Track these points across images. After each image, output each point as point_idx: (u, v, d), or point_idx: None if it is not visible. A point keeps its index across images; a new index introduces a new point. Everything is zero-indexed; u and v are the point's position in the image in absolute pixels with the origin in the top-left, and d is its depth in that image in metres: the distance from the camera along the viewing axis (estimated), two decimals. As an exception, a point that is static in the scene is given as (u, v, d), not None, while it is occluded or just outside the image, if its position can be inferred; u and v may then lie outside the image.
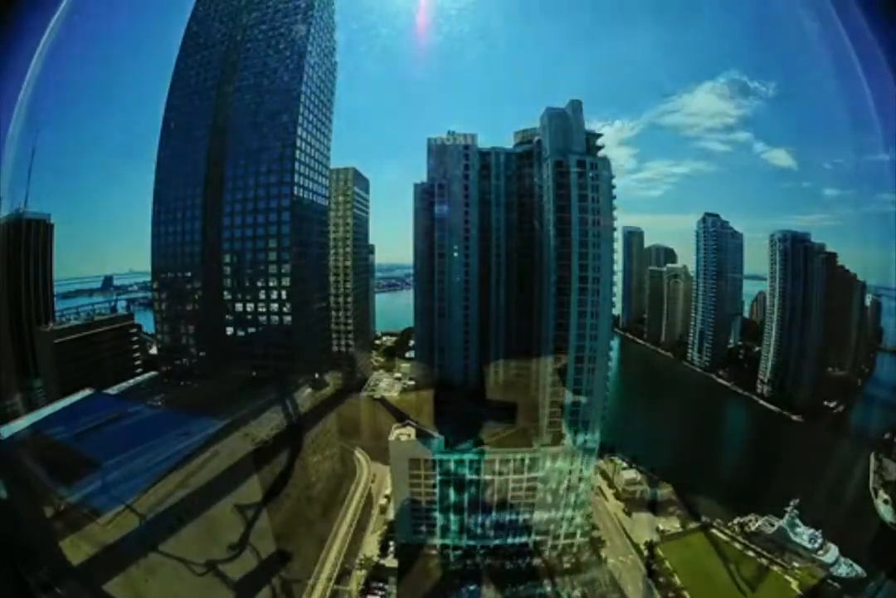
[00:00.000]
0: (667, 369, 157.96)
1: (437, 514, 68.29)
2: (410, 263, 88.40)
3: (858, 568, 64.08)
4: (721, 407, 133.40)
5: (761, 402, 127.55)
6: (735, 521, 77.25)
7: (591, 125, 69.11)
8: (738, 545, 72.59)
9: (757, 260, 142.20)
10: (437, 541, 69.53)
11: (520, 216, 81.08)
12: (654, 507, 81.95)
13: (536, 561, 69.85)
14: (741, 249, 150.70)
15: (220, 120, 73.59)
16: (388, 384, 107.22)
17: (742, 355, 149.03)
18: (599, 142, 69.34)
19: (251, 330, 72.48)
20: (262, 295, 71.68)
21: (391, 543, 71.66)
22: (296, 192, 69.27)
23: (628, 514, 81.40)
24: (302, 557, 66.96)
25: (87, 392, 61.04)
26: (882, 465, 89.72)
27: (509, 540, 69.60)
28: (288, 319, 70.98)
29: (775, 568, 67.85)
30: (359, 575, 66.85)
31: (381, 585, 64.56)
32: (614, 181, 67.50)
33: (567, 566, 69.74)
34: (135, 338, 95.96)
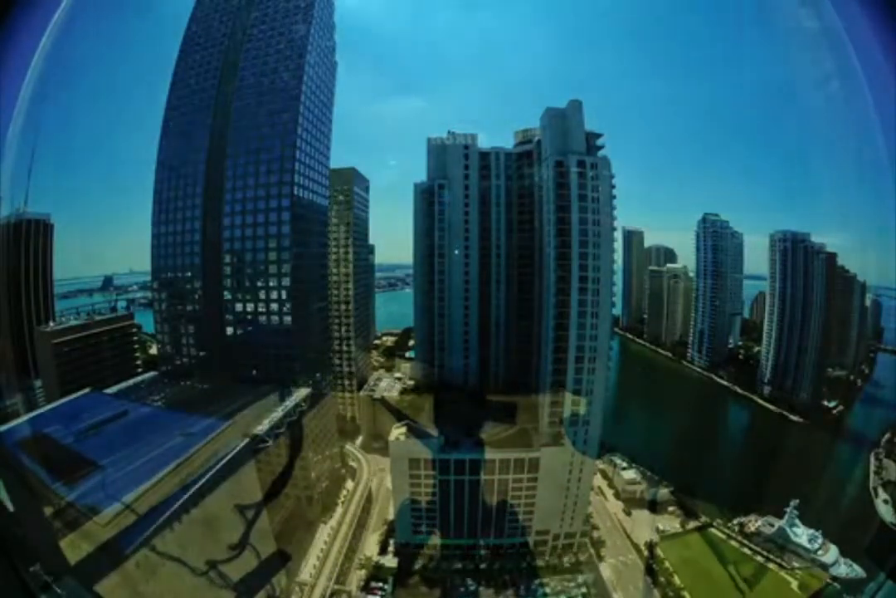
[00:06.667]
0: (667, 368, 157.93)
1: (436, 514, 68.32)
2: (410, 263, 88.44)
3: (858, 568, 64.06)
4: (721, 407, 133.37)
5: (761, 402, 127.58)
6: (735, 521, 77.30)
7: (592, 125, 68.99)
8: (737, 545, 72.62)
9: (757, 260, 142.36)
10: (437, 541, 69.57)
11: (520, 216, 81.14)
12: (654, 507, 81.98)
13: (536, 561, 69.86)
14: (741, 249, 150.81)
15: (220, 120, 73.53)
16: (388, 384, 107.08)
17: (742, 355, 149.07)
18: (599, 142, 69.26)
19: (251, 330, 72.42)
20: (262, 295, 71.59)
21: (391, 542, 71.70)
22: (296, 192, 69.15)
23: (628, 514, 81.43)
24: (299, 556, 67.09)
25: (86, 392, 61.05)
26: (882, 465, 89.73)
27: (509, 540, 69.63)
28: (288, 319, 70.88)
29: (775, 568, 67.86)
30: (359, 575, 66.88)
31: (381, 585, 64.52)
32: (614, 181, 67.57)
33: (567, 565, 69.75)
34: (135, 338, 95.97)
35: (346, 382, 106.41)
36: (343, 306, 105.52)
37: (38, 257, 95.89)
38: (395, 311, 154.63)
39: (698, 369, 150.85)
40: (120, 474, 39.97)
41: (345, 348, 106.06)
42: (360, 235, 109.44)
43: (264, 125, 70.67)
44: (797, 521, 72.21)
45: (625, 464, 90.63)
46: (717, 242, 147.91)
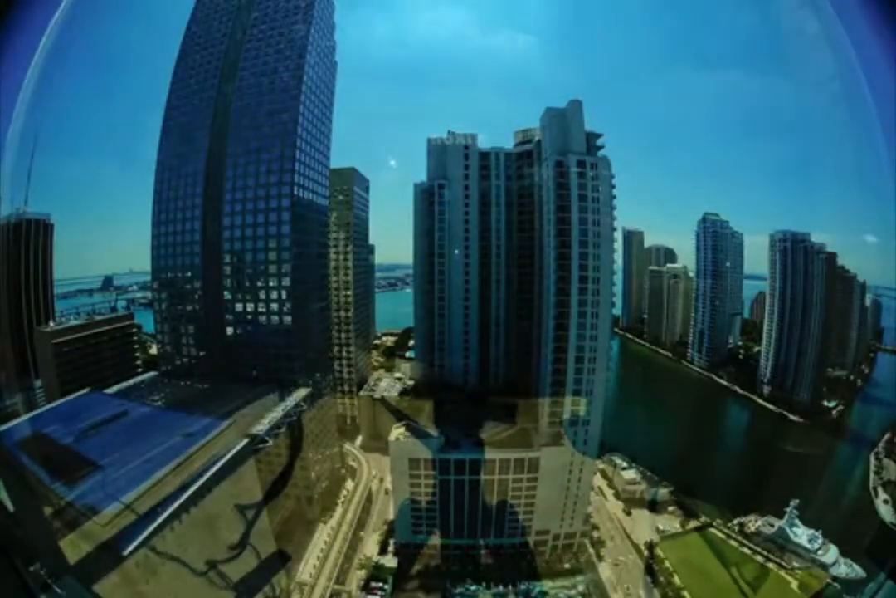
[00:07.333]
0: (667, 368, 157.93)
1: (436, 514, 68.28)
2: (410, 263, 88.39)
3: (858, 568, 64.07)
4: (721, 407, 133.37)
5: (761, 402, 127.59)
6: (735, 521, 77.28)
7: (591, 124, 68.94)
8: (737, 545, 72.58)
9: (757, 260, 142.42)
10: (437, 541, 69.51)
11: (520, 216, 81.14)
12: (654, 507, 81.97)
13: (535, 561, 69.83)
14: (741, 249, 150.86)
15: (219, 120, 73.52)
16: (388, 384, 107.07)
17: (742, 355, 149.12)
18: (599, 142, 69.24)
19: (251, 330, 72.43)
20: (262, 295, 71.59)
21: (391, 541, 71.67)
22: (296, 192, 69.16)
23: (628, 514, 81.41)
24: (299, 556, 67.10)
25: (86, 392, 61.05)
26: (882, 465, 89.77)
27: (509, 540, 69.60)
28: (288, 319, 70.88)
29: (775, 568, 67.83)
30: (359, 575, 66.86)
31: (381, 585, 64.49)
32: (614, 181, 67.56)
33: (566, 565, 69.73)
34: (135, 338, 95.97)
35: (346, 382, 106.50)
36: (343, 311, 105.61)
37: (38, 257, 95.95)
38: (395, 311, 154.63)
39: (698, 369, 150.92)
40: (120, 474, 39.96)
41: (345, 351, 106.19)
42: (360, 235, 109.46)
43: (264, 125, 70.67)
44: (797, 521, 72.18)
45: (625, 464, 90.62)
46: (717, 242, 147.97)
